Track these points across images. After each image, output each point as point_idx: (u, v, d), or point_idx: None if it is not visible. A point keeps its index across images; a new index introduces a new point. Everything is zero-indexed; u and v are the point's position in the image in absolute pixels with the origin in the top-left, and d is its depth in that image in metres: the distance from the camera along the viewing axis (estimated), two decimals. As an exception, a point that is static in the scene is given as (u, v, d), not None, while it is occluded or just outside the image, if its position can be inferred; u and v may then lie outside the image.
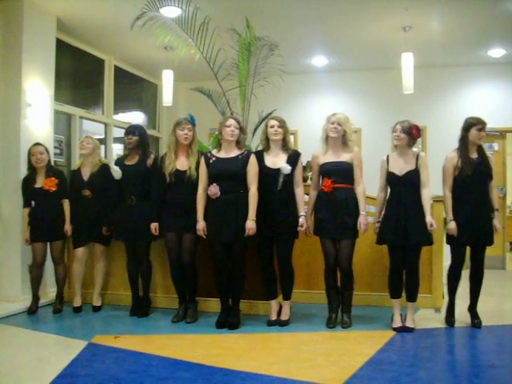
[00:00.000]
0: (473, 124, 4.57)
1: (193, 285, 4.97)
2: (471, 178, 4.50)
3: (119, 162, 5.28)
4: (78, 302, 5.42)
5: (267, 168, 4.66)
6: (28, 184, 5.30)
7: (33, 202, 5.30)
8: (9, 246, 5.63)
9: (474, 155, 4.57)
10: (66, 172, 6.89)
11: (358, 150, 4.72)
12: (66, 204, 5.33)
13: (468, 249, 4.63)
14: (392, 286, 4.59)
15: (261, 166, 4.67)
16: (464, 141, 4.60)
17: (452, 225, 4.53)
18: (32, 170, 5.31)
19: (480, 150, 4.60)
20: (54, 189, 5.22)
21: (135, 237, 5.11)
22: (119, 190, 5.17)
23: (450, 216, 4.56)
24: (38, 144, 5.35)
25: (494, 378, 3.45)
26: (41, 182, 5.25)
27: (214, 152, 4.73)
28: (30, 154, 5.30)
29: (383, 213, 4.62)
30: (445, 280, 5.29)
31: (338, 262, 4.65)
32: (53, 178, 5.24)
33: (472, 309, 4.66)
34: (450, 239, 4.61)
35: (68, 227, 5.29)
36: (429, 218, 4.42)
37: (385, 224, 4.54)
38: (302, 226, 4.60)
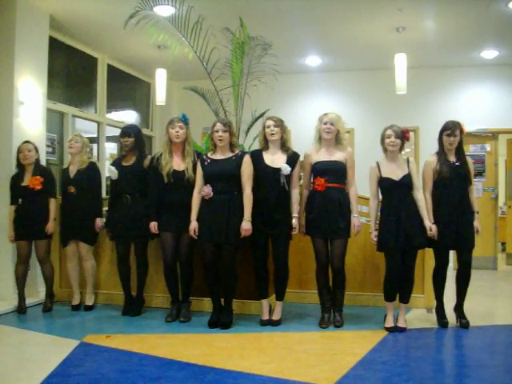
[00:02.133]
0: (443, 129, 4.60)
1: (187, 285, 4.96)
2: (449, 182, 4.52)
3: (116, 163, 5.27)
4: (76, 300, 5.43)
5: (267, 166, 4.65)
6: (15, 182, 5.30)
7: (20, 200, 5.29)
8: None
9: (453, 158, 4.58)
10: (59, 170, 6.89)
11: (351, 151, 4.74)
12: (52, 203, 5.31)
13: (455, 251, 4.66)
14: (388, 290, 4.57)
15: (260, 164, 4.66)
16: (440, 144, 4.63)
17: (433, 228, 4.54)
18: (20, 167, 5.30)
19: (459, 153, 4.59)
20: (38, 187, 5.20)
21: (131, 236, 5.11)
22: (116, 190, 5.17)
23: (431, 219, 4.57)
24: (26, 142, 5.34)
25: (484, 378, 3.46)
26: (27, 180, 5.24)
27: (209, 154, 4.74)
28: (18, 150, 5.30)
29: (379, 219, 4.59)
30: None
31: (329, 261, 4.66)
32: (38, 177, 5.22)
33: (458, 309, 4.68)
34: (432, 242, 4.62)
35: (50, 226, 5.26)
36: (428, 223, 4.45)
37: (384, 230, 4.49)
38: (294, 228, 4.62)
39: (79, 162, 5.35)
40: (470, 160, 4.66)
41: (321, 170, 4.63)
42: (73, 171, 5.35)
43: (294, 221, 4.62)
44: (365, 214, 4.99)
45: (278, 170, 4.60)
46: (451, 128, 4.54)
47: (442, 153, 4.62)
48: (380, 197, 4.64)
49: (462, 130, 4.57)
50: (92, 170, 5.35)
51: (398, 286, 4.56)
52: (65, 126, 7.22)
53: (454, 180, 4.52)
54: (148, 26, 5.56)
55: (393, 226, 4.43)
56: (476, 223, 4.56)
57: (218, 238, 4.54)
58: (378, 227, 4.57)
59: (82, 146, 5.39)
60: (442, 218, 4.53)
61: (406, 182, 4.49)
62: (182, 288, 4.98)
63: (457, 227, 4.50)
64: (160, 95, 7.67)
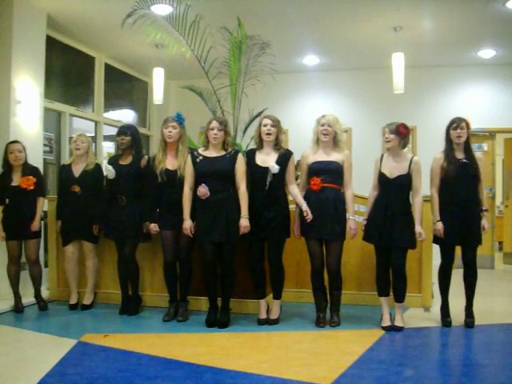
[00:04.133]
0: (450, 123, 4.60)
1: (186, 283, 4.96)
2: (456, 179, 4.51)
3: (113, 161, 5.26)
4: (73, 300, 5.42)
5: (257, 166, 4.66)
6: (4, 182, 5.23)
7: (7, 200, 5.25)
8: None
9: (461, 155, 4.58)
10: (56, 170, 6.89)
11: (348, 153, 4.72)
12: (40, 201, 5.28)
13: (460, 250, 4.65)
14: (379, 284, 4.62)
15: (251, 164, 4.68)
16: (448, 141, 4.63)
17: (438, 225, 4.56)
18: (8, 167, 5.24)
19: (467, 150, 4.59)
20: (31, 187, 5.18)
21: (123, 236, 5.10)
22: (111, 190, 5.16)
23: (437, 217, 4.59)
24: (15, 141, 5.28)
25: (482, 377, 3.48)
26: (17, 179, 5.19)
27: (201, 151, 4.72)
28: (7, 151, 5.22)
29: (370, 210, 4.63)
30: (434, 279, 5.32)
31: (325, 263, 4.65)
32: (30, 177, 5.19)
33: (467, 309, 4.67)
34: (438, 239, 4.64)
35: (36, 224, 5.22)
36: (418, 228, 4.45)
37: (371, 223, 4.55)
38: (306, 211, 4.51)
39: (86, 163, 5.33)
40: (479, 157, 4.64)
41: (317, 169, 4.61)
42: (78, 170, 5.32)
43: (304, 207, 4.54)
44: (362, 213, 4.99)
45: (267, 168, 4.61)
46: (457, 121, 4.55)
47: (449, 150, 4.61)
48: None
49: (468, 126, 4.56)
50: (98, 171, 5.35)
51: (389, 281, 4.58)
52: (62, 125, 7.21)
53: (461, 178, 4.51)
54: (145, 24, 5.56)
55: (378, 222, 4.47)
56: (483, 221, 4.54)
57: (218, 238, 4.53)
58: (367, 217, 4.63)
59: (88, 146, 5.38)
60: (448, 216, 4.54)
61: (400, 183, 4.48)
62: (181, 287, 4.97)
63: (462, 225, 4.50)
64: (157, 94, 7.67)
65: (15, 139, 5.36)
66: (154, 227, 4.90)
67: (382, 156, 4.63)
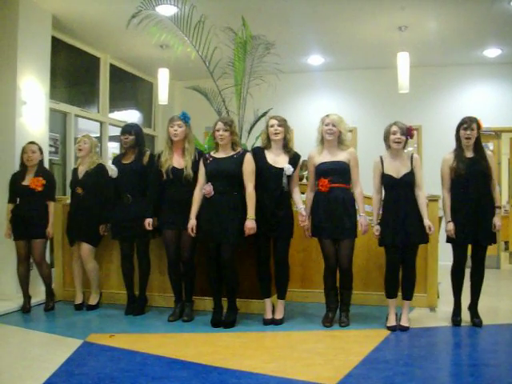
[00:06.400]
0: (460, 123, 4.59)
1: (190, 283, 4.97)
2: (466, 178, 4.50)
3: (116, 160, 5.29)
4: (79, 299, 5.44)
5: (271, 166, 4.65)
6: (16, 180, 5.30)
7: (18, 199, 5.30)
8: (2, 243, 5.59)
9: (470, 154, 4.56)
10: (61, 170, 6.91)
11: (353, 151, 4.71)
12: (51, 206, 5.32)
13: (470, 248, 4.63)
14: (388, 286, 4.58)
15: (263, 163, 4.67)
16: (458, 141, 4.61)
17: (449, 226, 4.55)
18: (23, 167, 5.31)
19: (477, 148, 4.57)
20: (39, 189, 5.20)
21: (133, 235, 5.11)
22: (116, 189, 5.17)
23: (448, 217, 4.58)
24: (31, 142, 5.35)
25: (488, 377, 3.46)
26: (29, 179, 5.24)
27: (212, 153, 4.76)
28: (22, 151, 5.30)
29: (381, 214, 4.61)
30: (440, 279, 5.31)
31: (338, 262, 4.64)
32: (40, 178, 5.23)
33: (472, 308, 4.66)
34: (450, 238, 4.62)
35: (51, 230, 5.28)
36: (427, 222, 4.44)
37: (384, 226, 4.52)
38: (304, 216, 4.60)
39: (88, 163, 5.35)
40: (490, 155, 4.63)
41: (324, 170, 4.61)
42: (81, 172, 5.35)
43: (303, 212, 4.61)
44: (368, 213, 4.98)
45: (281, 170, 4.61)
46: (468, 122, 4.53)
47: (458, 149, 4.60)
48: (383, 192, 4.64)
49: (479, 126, 4.55)
50: (99, 172, 5.33)
51: (398, 283, 4.56)
52: (67, 125, 7.23)
53: (470, 176, 4.49)
54: (150, 25, 5.57)
55: (391, 223, 4.45)
56: (495, 219, 4.51)
57: (217, 238, 4.55)
58: (379, 222, 4.59)
59: (90, 147, 5.39)
60: (461, 215, 4.52)
61: (407, 180, 4.48)
62: (185, 287, 4.97)
63: (475, 223, 4.48)
64: (162, 95, 7.68)
65: (32, 140, 5.42)
66: (147, 223, 4.91)
67: (381, 158, 4.62)
